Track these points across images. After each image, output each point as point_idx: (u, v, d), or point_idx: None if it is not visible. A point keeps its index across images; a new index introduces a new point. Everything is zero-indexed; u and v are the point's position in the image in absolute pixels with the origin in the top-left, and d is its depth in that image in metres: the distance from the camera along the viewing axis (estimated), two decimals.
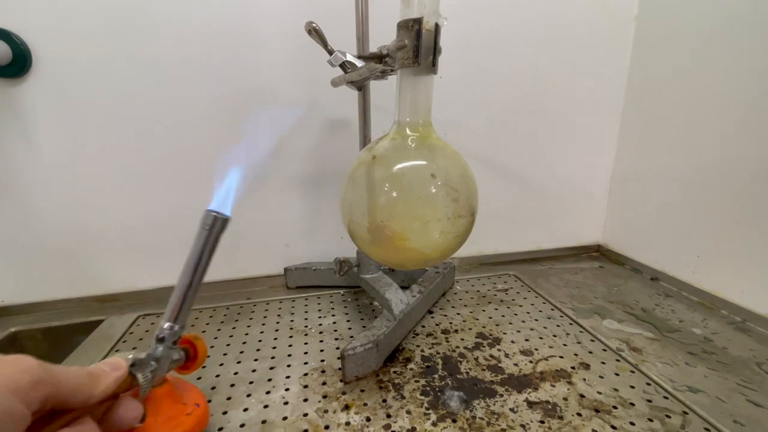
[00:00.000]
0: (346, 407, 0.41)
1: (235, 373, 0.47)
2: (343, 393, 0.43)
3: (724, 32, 0.57)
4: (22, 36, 0.52)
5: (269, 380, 0.46)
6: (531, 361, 0.48)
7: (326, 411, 0.41)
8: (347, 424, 0.39)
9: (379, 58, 0.36)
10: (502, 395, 0.43)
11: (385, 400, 0.42)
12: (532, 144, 0.75)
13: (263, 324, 0.58)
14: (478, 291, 0.67)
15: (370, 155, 0.36)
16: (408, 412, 0.41)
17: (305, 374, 0.47)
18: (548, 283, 0.70)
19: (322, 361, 0.49)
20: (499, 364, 0.48)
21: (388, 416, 0.40)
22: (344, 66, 0.46)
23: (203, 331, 0.56)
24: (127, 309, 0.63)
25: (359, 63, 0.44)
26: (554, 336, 0.54)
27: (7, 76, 0.53)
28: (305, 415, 0.40)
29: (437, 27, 0.32)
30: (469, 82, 0.68)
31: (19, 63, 0.52)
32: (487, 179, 0.75)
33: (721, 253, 0.60)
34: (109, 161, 0.60)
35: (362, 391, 0.44)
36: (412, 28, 0.32)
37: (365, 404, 0.42)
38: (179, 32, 0.57)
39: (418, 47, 0.32)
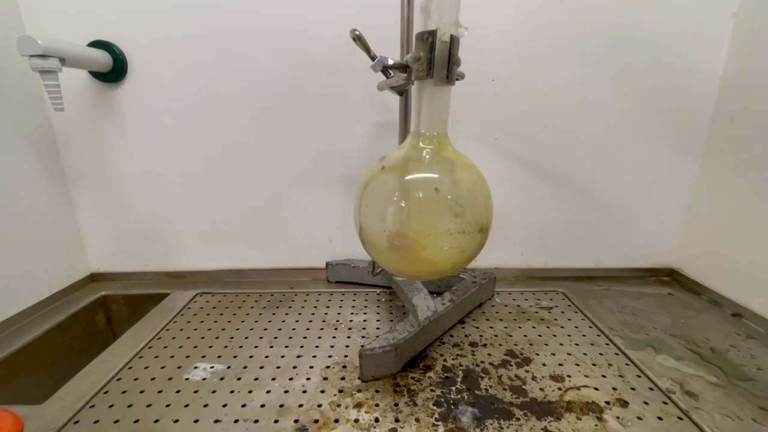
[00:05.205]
0: (359, 405, 0.43)
1: (266, 357, 0.51)
2: (359, 391, 0.45)
3: None
4: (121, 46, 0.62)
5: (294, 368, 0.49)
6: (560, 388, 0.45)
7: (339, 405, 0.43)
8: (356, 421, 0.40)
9: (403, 67, 0.36)
10: (518, 419, 0.41)
11: (396, 404, 0.43)
12: (595, 150, 0.68)
13: (299, 314, 0.62)
14: (519, 306, 0.64)
15: (379, 165, 0.37)
16: (417, 420, 0.41)
17: (327, 367, 0.49)
18: (600, 305, 0.64)
19: (346, 356, 0.51)
20: (524, 386, 0.45)
21: (397, 420, 0.40)
22: (386, 71, 0.47)
23: (247, 314, 0.62)
24: (190, 286, 0.71)
25: None
26: (593, 365, 0.49)
27: (108, 81, 0.63)
28: (319, 405, 0.43)
29: (453, 39, 0.31)
30: (527, 86, 0.65)
31: (117, 70, 0.62)
32: (541, 189, 0.70)
33: None
34: (187, 156, 0.68)
35: (377, 391, 0.45)
36: (426, 40, 0.31)
37: (377, 405, 0.43)
38: (253, 44, 0.62)
39: (432, 59, 0.31)
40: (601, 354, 0.51)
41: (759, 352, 0.52)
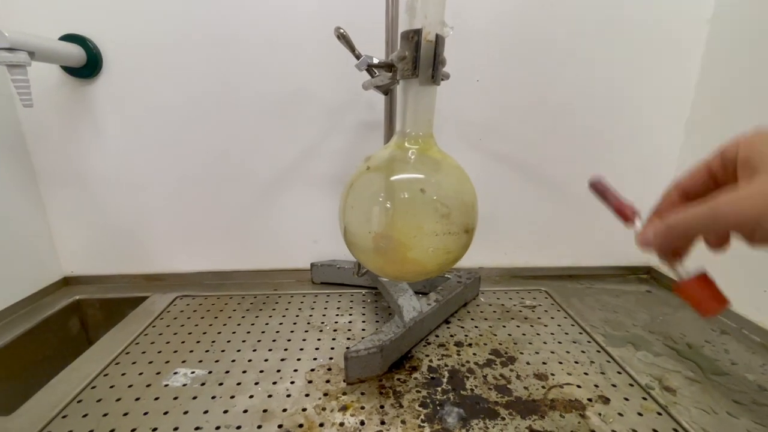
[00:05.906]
0: (344, 408, 0.42)
1: (249, 361, 0.50)
2: (344, 393, 0.44)
3: None
4: (96, 42, 0.59)
5: (278, 371, 0.48)
6: (543, 387, 0.45)
7: (324, 409, 0.42)
8: (341, 424, 0.40)
9: (389, 66, 0.36)
10: (504, 418, 0.41)
11: (382, 406, 0.42)
12: (576, 151, 0.69)
13: (284, 316, 0.61)
14: (503, 305, 0.65)
15: (365, 165, 0.36)
16: (403, 422, 0.40)
17: (312, 370, 0.48)
18: (582, 303, 0.65)
19: (331, 359, 0.50)
20: (508, 386, 0.46)
21: (383, 423, 0.40)
22: (371, 70, 0.47)
23: (229, 317, 0.60)
24: (169, 289, 0.69)
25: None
26: (576, 362, 0.50)
27: (81, 77, 0.61)
28: (304, 409, 0.42)
29: (438, 38, 0.31)
30: (511, 85, 0.65)
31: (92, 65, 0.60)
32: (521, 187, 0.71)
33: None
34: (166, 154, 0.66)
35: (362, 394, 0.44)
36: (412, 39, 0.31)
37: (362, 407, 0.42)
38: (235, 44, 0.61)
39: (417, 59, 0.31)
40: (583, 351, 0.52)
41: (733, 348, 0.54)
